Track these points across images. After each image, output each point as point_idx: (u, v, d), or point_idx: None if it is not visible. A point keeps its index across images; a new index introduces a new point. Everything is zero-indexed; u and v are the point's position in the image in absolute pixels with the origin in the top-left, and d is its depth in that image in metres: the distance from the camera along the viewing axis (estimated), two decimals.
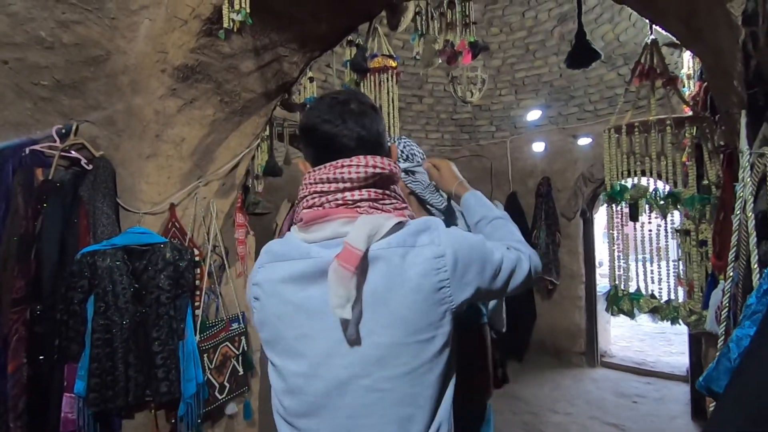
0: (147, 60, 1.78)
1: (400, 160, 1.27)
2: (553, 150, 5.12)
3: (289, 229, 0.87)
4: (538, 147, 5.21)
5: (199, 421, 1.93)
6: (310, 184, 0.81)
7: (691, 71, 2.63)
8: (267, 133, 2.97)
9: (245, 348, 2.22)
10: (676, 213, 1.99)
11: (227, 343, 2.14)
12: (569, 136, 5.01)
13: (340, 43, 2.30)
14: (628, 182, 1.98)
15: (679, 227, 2.00)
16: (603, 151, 2.02)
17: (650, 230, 1.98)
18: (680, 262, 2.02)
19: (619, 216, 2.00)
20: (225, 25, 1.39)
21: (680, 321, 1.82)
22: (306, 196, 0.81)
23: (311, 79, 2.95)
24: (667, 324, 1.96)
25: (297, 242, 0.82)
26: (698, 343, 3.23)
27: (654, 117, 1.83)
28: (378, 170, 0.79)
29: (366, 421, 0.74)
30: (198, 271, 2.04)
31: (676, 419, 3.59)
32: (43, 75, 1.78)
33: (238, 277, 2.39)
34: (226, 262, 2.27)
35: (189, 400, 1.86)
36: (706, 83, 1.88)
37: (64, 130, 1.90)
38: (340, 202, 0.79)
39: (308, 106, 0.87)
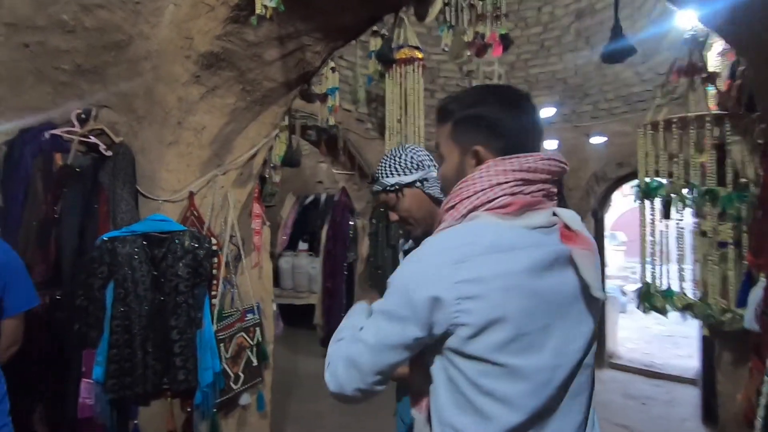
0: (171, 46, 1.76)
1: (411, 171, 1.26)
2: (566, 148, 5.06)
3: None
4: (551, 145, 5.15)
5: (214, 410, 1.92)
6: (512, 171, 0.79)
7: (717, 70, 2.58)
8: (285, 123, 2.94)
9: (260, 339, 2.20)
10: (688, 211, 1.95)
11: (242, 333, 2.13)
12: (582, 134, 4.95)
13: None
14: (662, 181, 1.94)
15: (694, 227, 1.96)
16: (637, 147, 1.98)
17: (682, 228, 1.94)
18: (697, 264, 1.99)
19: (652, 213, 1.96)
20: (257, 11, 1.37)
21: (713, 318, 1.79)
22: (507, 182, 0.78)
23: (333, 69, 2.90)
24: (677, 326, 1.94)
25: (517, 230, 0.77)
26: (710, 346, 3.18)
27: (693, 113, 1.78)
28: (566, 167, 0.83)
29: (579, 399, 0.80)
30: (215, 260, 2.03)
31: (687, 422, 3.57)
32: (63, 59, 1.76)
33: (253, 267, 2.38)
34: (242, 251, 2.25)
35: (206, 389, 1.85)
36: (738, 81, 1.84)
37: (83, 115, 1.88)
38: (544, 192, 0.80)
39: (479, 94, 0.90)
